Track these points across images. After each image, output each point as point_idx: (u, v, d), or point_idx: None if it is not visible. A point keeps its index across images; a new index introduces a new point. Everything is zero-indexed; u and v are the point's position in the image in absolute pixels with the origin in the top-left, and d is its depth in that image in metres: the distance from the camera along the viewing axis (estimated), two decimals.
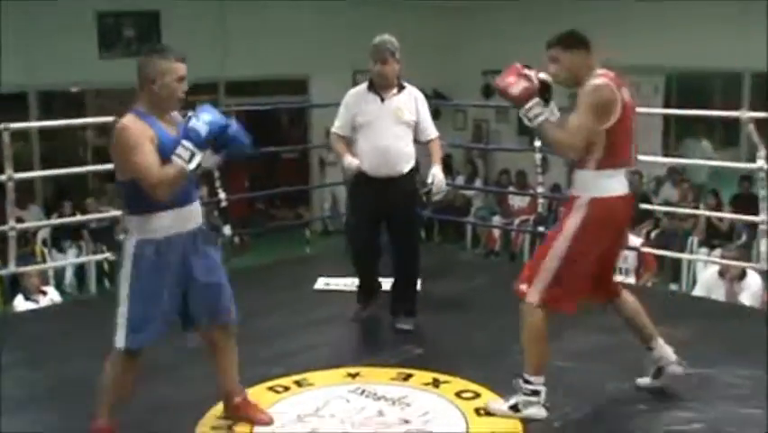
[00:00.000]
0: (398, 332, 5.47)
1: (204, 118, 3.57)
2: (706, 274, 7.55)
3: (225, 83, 13.06)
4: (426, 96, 5.64)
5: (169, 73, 3.65)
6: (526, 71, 4.05)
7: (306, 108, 13.93)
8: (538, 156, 7.64)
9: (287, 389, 4.52)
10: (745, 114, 6.23)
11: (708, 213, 10.43)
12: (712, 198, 11.13)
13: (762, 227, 6.22)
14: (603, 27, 12.53)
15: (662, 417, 4.21)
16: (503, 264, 11.24)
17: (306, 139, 14.05)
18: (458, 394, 4.42)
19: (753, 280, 6.93)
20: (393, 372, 4.72)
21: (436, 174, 5.32)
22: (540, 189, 8.20)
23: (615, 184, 4.05)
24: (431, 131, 5.50)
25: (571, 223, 4.01)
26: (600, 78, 4.02)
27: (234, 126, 3.69)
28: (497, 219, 13.14)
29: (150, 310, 3.67)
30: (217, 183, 7.31)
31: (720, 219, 10.80)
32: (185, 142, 3.54)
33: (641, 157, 6.97)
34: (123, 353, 3.71)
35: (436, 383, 4.55)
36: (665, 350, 4.36)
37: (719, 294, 7.03)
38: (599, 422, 4.21)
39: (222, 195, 7.30)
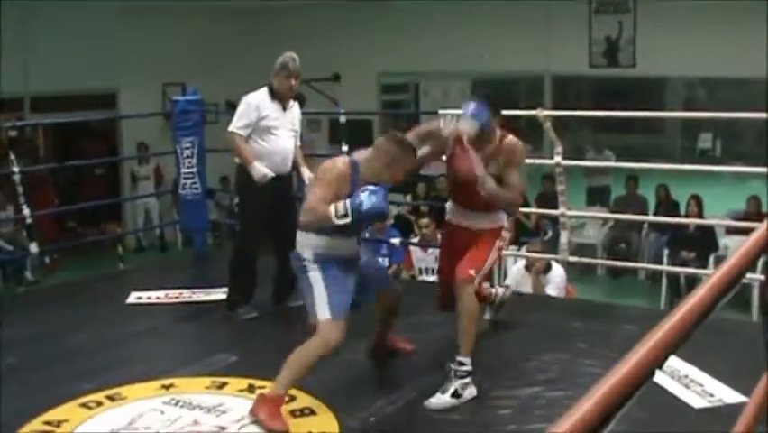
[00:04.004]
0: (213, 341, 5.51)
1: (374, 199, 4.08)
2: (513, 269, 7.81)
3: (30, 98, 12.62)
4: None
5: (404, 169, 4.32)
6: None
7: (115, 122, 13.66)
8: None
9: (99, 404, 4.42)
10: (542, 112, 6.52)
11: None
12: None
13: (562, 220, 6.52)
14: (406, 33, 12.98)
15: (472, 401, 4.37)
16: None
17: (116, 154, 13.79)
18: None
19: (556, 272, 7.22)
20: (207, 381, 4.70)
21: (311, 175, 5.66)
22: None
23: None
24: (298, 139, 6.08)
25: (501, 226, 4.71)
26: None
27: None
28: None
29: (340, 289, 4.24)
30: (21, 200, 7.07)
31: (527, 216, 11.22)
32: (349, 205, 4.08)
33: None
34: (330, 324, 4.16)
35: (252, 389, 4.55)
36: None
37: (527, 287, 7.29)
38: (412, 413, 4.33)
39: (26, 212, 7.06)
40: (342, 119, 8.20)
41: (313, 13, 13.67)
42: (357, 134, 11.40)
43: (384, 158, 4.27)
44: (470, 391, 4.43)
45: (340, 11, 13.46)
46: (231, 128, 5.81)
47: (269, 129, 5.79)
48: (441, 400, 4.38)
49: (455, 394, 4.38)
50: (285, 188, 6.04)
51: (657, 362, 1.10)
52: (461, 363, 4.42)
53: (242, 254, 6.02)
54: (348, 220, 4.09)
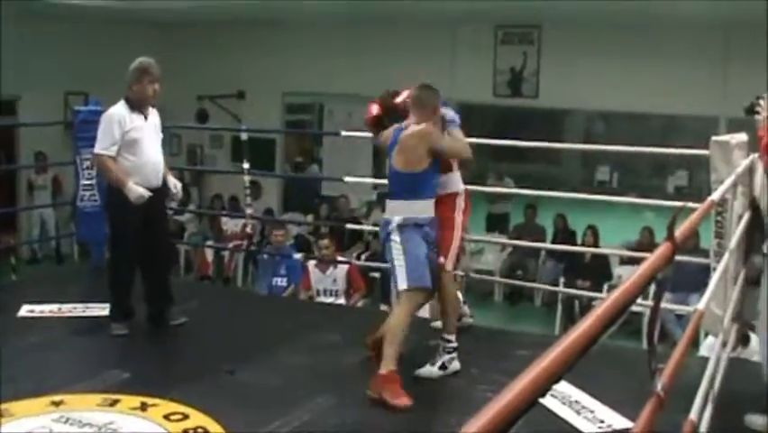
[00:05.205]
0: (106, 357, 5.41)
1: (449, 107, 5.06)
2: None
3: None
4: None
5: (437, 105, 4.93)
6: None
7: (13, 129, 13.34)
8: (246, 178, 7.74)
9: None
10: None
11: None
12: None
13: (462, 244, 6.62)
14: (312, 54, 13.01)
15: (360, 421, 4.39)
16: (216, 289, 11.20)
17: (13, 162, 13.46)
18: (166, 417, 4.38)
19: None
20: (99, 397, 4.61)
21: (177, 182, 5.96)
22: (249, 212, 8.29)
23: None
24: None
25: (460, 207, 5.16)
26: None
27: None
28: (210, 244, 13.13)
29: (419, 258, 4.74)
30: None
31: None
32: (453, 126, 4.96)
33: (350, 179, 7.30)
34: (409, 294, 4.67)
35: (144, 407, 4.48)
36: (464, 309, 5.89)
37: (423, 311, 7.31)
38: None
39: None
40: (244, 136, 8.17)
41: (219, 30, 13.60)
42: (259, 152, 11.40)
43: (430, 111, 4.86)
44: (455, 366, 5.02)
45: (247, 29, 13.42)
46: (97, 150, 5.63)
47: (136, 142, 5.61)
48: (430, 370, 4.97)
49: (442, 366, 4.98)
50: (157, 203, 5.84)
51: (541, 390, 1.13)
52: (448, 340, 5.02)
53: (116, 273, 5.84)
54: None
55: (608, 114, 14.59)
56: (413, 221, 4.77)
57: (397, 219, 4.77)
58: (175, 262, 13.06)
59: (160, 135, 5.90)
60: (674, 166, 14.26)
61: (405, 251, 4.70)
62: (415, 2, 10.83)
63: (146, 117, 5.72)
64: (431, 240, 4.87)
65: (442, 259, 5.04)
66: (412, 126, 4.84)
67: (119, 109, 5.64)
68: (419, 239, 4.76)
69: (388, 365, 4.54)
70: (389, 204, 4.93)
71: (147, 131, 5.69)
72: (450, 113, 5.04)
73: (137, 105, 5.66)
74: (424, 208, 4.83)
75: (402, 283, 4.68)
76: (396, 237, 4.74)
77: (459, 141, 4.95)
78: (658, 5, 9.50)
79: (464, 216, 5.23)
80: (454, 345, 5.05)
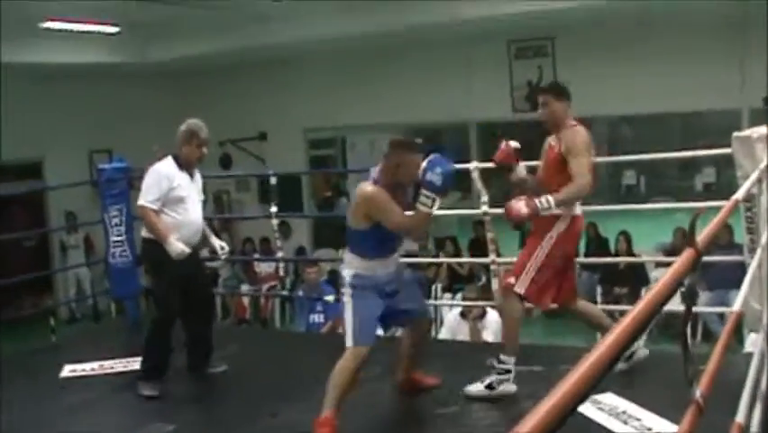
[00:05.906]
0: (149, 411, 5.44)
1: (437, 170, 4.41)
2: (449, 317, 7.82)
3: None
4: None
5: (412, 166, 4.54)
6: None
7: (41, 191, 13.45)
8: (275, 222, 7.76)
9: None
10: (474, 164, 6.61)
11: (446, 260, 10.94)
12: (450, 245, 11.62)
13: (493, 267, 6.57)
14: (329, 87, 13.08)
15: None
16: (254, 331, 11.22)
17: (43, 223, 13.57)
18: None
19: (492, 318, 7.23)
20: None
21: (224, 244, 6.13)
22: (280, 254, 8.32)
23: (579, 204, 4.99)
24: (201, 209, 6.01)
25: (555, 232, 4.84)
26: (578, 125, 5.09)
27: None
28: (245, 288, 13.16)
29: (368, 318, 4.67)
30: None
31: (460, 264, 11.30)
32: (426, 192, 4.44)
33: None
34: (354, 350, 4.56)
35: None
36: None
37: (464, 334, 7.31)
38: None
39: None
40: (274, 180, 8.17)
41: (235, 73, 13.70)
42: (286, 192, 11.44)
43: (392, 164, 4.60)
44: (507, 388, 4.86)
45: (262, 69, 13.51)
46: (141, 202, 5.64)
47: (181, 200, 5.68)
48: (477, 388, 4.90)
49: (490, 386, 4.86)
50: (196, 260, 6.00)
51: (575, 403, 1.13)
52: (501, 361, 4.87)
53: (159, 331, 5.80)
54: (438, 201, 4.49)
55: (630, 117, 14.50)
56: (368, 279, 4.69)
57: (348, 275, 4.72)
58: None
59: (202, 196, 5.99)
60: (701, 163, 14.19)
61: (354, 310, 4.65)
62: (426, 26, 10.86)
63: (192, 177, 5.81)
64: (391, 290, 4.77)
65: (512, 279, 4.89)
66: (366, 183, 4.66)
67: (167, 166, 5.71)
68: (372, 296, 4.69)
69: (325, 410, 4.48)
70: (345, 254, 4.82)
71: (191, 191, 5.78)
72: (431, 173, 4.45)
73: (185, 165, 5.75)
74: (376, 266, 4.71)
75: (348, 341, 4.63)
76: (346, 293, 4.71)
77: (413, 218, 4.58)
78: (668, 5, 9.47)
79: (564, 242, 4.89)
80: (508, 367, 4.89)
